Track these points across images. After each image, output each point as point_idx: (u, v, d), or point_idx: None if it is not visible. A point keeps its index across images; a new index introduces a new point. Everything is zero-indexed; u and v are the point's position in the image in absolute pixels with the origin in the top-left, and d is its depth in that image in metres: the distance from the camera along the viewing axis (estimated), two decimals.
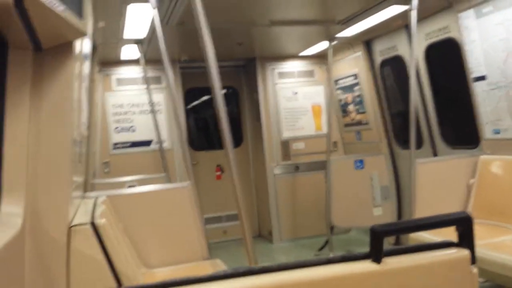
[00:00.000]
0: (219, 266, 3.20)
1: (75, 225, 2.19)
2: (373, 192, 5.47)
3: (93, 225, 2.24)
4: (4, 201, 1.87)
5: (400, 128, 5.62)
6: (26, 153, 2.00)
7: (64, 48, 2.15)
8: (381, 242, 1.22)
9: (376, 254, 1.23)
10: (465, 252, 1.28)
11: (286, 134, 6.50)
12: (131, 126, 5.91)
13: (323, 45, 5.77)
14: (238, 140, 6.88)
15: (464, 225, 1.28)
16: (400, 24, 4.90)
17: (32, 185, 2.00)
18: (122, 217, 3.21)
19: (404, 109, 5.37)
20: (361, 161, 5.49)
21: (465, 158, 4.12)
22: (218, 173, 6.74)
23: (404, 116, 5.23)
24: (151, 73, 5.71)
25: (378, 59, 5.64)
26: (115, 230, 2.72)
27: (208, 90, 6.20)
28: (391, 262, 1.23)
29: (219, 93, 2.46)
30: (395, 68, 5.56)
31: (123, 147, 5.87)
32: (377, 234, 1.22)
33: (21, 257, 1.86)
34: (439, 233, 1.38)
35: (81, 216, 2.36)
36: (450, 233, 1.35)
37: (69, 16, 1.93)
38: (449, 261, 1.28)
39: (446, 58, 4.77)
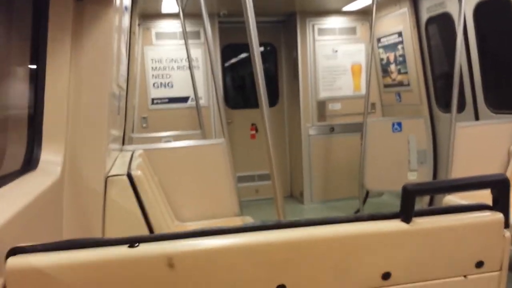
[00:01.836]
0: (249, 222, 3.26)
1: (112, 176, 2.26)
2: (409, 156, 5.36)
3: (130, 176, 2.31)
4: (44, 149, 1.94)
5: (442, 91, 5.41)
6: (67, 103, 2.05)
7: None
8: (412, 202, 1.20)
9: (406, 213, 1.21)
10: (498, 216, 1.24)
11: (323, 94, 6.40)
12: (169, 82, 5.95)
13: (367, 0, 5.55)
14: (274, 99, 6.83)
15: (500, 188, 1.24)
16: None
17: (71, 135, 2.06)
18: (158, 171, 3.29)
19: (448, 71, 5.15)
20: (399, 124, 5.37)
21: (508, 123, 3.96)
22: (253, 132, 6.75)
23: (447, 78, 5.02)
24: (190, 28, 5.68)
25: (425, 17, 5.38)
26: (150, 182, 2.80)
27: (245, 47, 6.08)
28: (421, 223, 1.22)
29: (257, 49, 2.41)
30: (441, 27, 5.30)
31: (161, 103, 5.94)
32: (409, 193, 1.20)
33: (60, 203, 1.95)
34: (474, 199, 1.35)
35: (119, 168, 2.43)
36: (487, 200, 1.32)
37: None
38: (481, 224, 1.26)
39: (496, 18, 4.51)
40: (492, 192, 1.27)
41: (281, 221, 1.19)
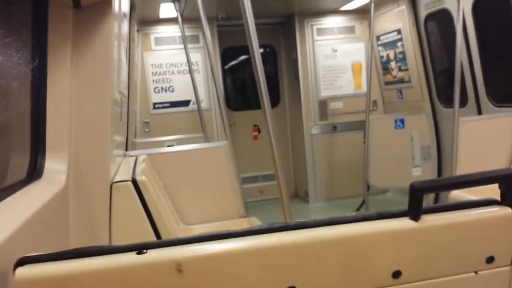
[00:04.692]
0: (255, 224, 3.26)
1: (117, 182, 2.26)
2: (413, 152, 5.35)
3: (134, 182, 2.30)
4: (48, 158, 1.94)
5: (443, 86, 5.40)
6: (69, 111, 2.05)
7: (103, 5, 2.16)
8: (420, 199, 1.20)
9: (414, 211, 1.20)
10: (507, 210, 1.23)
11: (324, 93, 6.39)
12: (170, 86, 5.96)
13: None
14: (275, 100, 6.83)
15: (508, 183, 1.23)
16: None
17: (74, 143, 2.06)
18: (162, 175, 3.29)
19: (448, 66, 5.14)
20: (401, 120, 5.36)
21: (511, 116, 3.94)
22: (255, 133, 6.76)
23: (448, 74, 5.01)
24: (188, 32, 5.69)
25: (423, 13, 5.37)
26: (155, 187, 2.79)
27: (245, 49, 6.11)
28: (430, 220, 1.21)
29: (257, 51, 2.41)
30: (440, 23, 5.30)
31: (162, 107, 5.95)
32: (416, 191, 1.19)
33: (66, 211, 1.95)
34: (481, 194, 1.34)
35: (123, 173, 2.43)
36: (492, 195, 1.31)
37: None
38: (490, 219, 1.25)
39: (495, 11, 4.50)
40: (500, 187, 1.26)
41: (289, 223, 1.18)
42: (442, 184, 1.41)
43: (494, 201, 1.28)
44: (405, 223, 1.20)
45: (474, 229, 1.25)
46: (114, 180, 2.26)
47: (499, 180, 1.25)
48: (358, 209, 5.63)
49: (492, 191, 1.30)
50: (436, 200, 5.15)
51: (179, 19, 5.11)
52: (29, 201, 1.57)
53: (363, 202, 5.56)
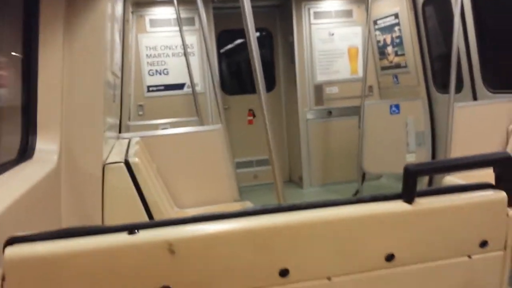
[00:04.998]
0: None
1: (110, 163, 2.24)
2: (408, 138, 5.36)
3: (127, 163, 2.29)
4: (40, 138, 1.92)
5: (440, 72, 5.38)
6: (61, 92, 2.03)
7: None
8: (414, 182, 1.19)
9: (408, 194, 1.20)
10: (502, 194, 1.23)
11: (320, 78, 6.35)
12: (165, 69, 5.90)
13: None
14: (271, 84, 6.79)
15: (503, 166, 1.23)
16: None
17: (66, 124, 2.04)
18: (155, 158, 3.27)
19: (445, 52, 5.11)
20: (397, 106, 5.35)
21: (506, 102, 3.94)
22: (250, 117, 6.73)
23: (444, 59, 4.99)
24: (184, 14, 5.61)
25: None
26: (148, 169, 2.78)
27: (241, 33, 6.04)
28: (424, 203, 1.20)
29: (253, 34, 2.37)
30: (438, 8, 5.25)
31: (157, 90, 5.90)
32: (410, 173, 1.18)
33: (58, 191, 1.93)
34: (473, 180, 1.34)
35: (116, 155, 2.41)
36: (486, 180, 1.30)
37: None
38: (485, 202, 1.24)
39: None
40: (495, 171, 1.26)
41: (282, 205, 1.17)
42: (437, 167, 1.40)
43: (488, 185, 1.27)
44: (399, 205, 1.19)
45: (468, 213, 1.24)
46: (107, 162, 2.24)
47: (494, 163, 1.25)
48: (355, 195, 5.65)
49: (486, 177, 1.30)
50: (430, 185, 5.17)
51: (175, 0, 5.04)
52: (19, 180, 1.55)
53: (357, 191, 5.58)
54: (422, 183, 5.20)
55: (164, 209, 2.61)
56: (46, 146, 1.92)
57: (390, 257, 1.19)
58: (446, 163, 1.35)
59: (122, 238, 1.04)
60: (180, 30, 5.21)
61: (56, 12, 2.00)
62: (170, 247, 1.05)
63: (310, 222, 1.14)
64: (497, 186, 1.25)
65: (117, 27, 3.14)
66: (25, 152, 1.85)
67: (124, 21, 4.34)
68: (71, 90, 2.08)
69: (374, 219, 1.18)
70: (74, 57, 2.10)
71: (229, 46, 6.89)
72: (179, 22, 5.17)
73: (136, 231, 1.05)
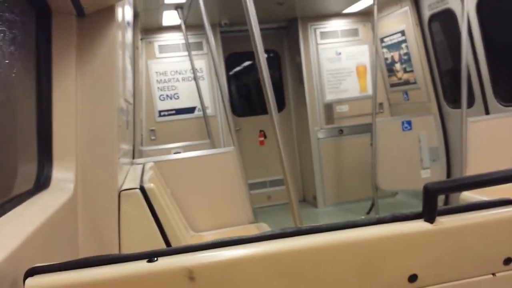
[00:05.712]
0: (265, 229, 3.23)
1: (125, 190, 2.24)
2: (421, 154, 5.31)
3: (142, 189, 2.29)
4: (56, 167, 1.93)
5: (450, 87, 5.37)
6: (75, 120, 2.05)
7: (106, 13, 2.16)
8: (435, 201, 1.17)
9: (429, 213, 1.18)
10: None
11: (330, 97, 6.37)
12: (175, 94, 5.96)
13: (368, 0, 5.52)
14: (280, 104, 6.82)
15: None
16: None
17: (81, 152, 2.06)
18: (169, 182, 3.27)
19: (454, 67, 5.11)
20: (408, 122, 5.32)
21: None
22: (261, 138, 6.74)
23: (454, 74, 4.98)
24: (192, 39, 5.70)
25: (427, 14, 5.35)
26: (163, 194, 2.78)
27: (249, 55, 6.15)
28: (445, 222, 1.18)
29: (262, 55, 2.39)
30: (444, 23, 5.27)
31: (168, 115, 5.95)
32: (430, 192, 1.17)
33: (75, 220, 1.93)
34: (490, 195, 1.31)
35: (131, 181, 2.42)
36: (503, 195, 1.28)
37: None
38: (507, 219, 1.22)
39: (500, 10, 4.47)
40: None
41: (301, 228, 1.16)
42: (457, 185, 1.38)
43: (508, 201, 1.25)
44: (420, 225, 1.18)
45: (490, 230, 1.22)
46: (122, 188, 2.25)
47: None
48: (368, 213, 5.59)
49: (502, 191, 1.28)
50: (446, 201, 5.10)
51: (183, 26, 5.12)
52: (37, 210, 1.56)
53: (372, 205, 5.52)
54: (439, 199, 5.13)
55: (180, 233, 2.60)
56: (62, 175, 1.93)
57: (413, 278, 1.17)
58: (466, 181, 1.33)
59: (142, 266, 1.04)
60: (189, 55, 5.28)
61: (68, 42, 2.04)
62: (190, 274, 1.04)
63: (331, 244, 1.13)
64: None
65: (128, 54, 3.19)
66: (42, 181, 1.86)
67: (134, 48, 4.41)
68: (85, 118, 2.10)
69: (395, 240, 1.17)
70: (87, 86, 2.12)
71: (238, 68, 6.96)
72: (188, 47, 5.25)
73: (155, 258, 1.05)
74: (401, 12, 5.69)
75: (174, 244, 2.29)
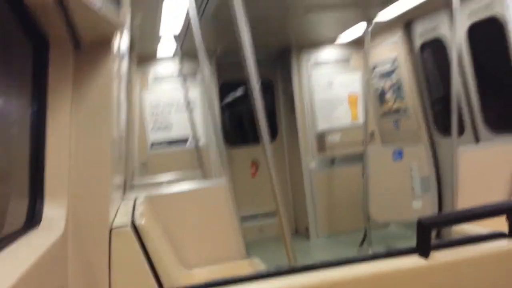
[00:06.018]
0: (258, 264, 3.18)
1: (116, 227, 2.21)
2: (413, 184, 5.32)
3: (134, 226, 2.26)
4: (47, 204, 1.90)
5: (440, 115, 5.42)
6: (68, 154, 2.02)
7: (103, 45, 2.16)
8: (429, 235, 1.18)
9: (423, 247, 1.18)
10: None
11: (322, 125, 6.40)
12: (168, 125, 5.96)
13: (360, 30, 5.60)
14: (273, 134, 6.83)
15: None
16: (442, 3, 4.68)
17: (74, 187, 2.02)
18: (160, 217, 3.23)
19: (444, 95, 5.18)
20: (399, 152, 5.35)
21: (509, 145, 3.95)
22: (253, 170, 6.71)
23: (444, 102, 5.04)
24: (187, 68, 5.73)
25: (418, 42, 5.45)
26: (155, 230, 2.74)
27: (241, 84, 6.19)
28: (440, 256, 1.18)
29: (256, 84, 2.39)
30: (436, 51, 5.36)
31: (160, 147, 5.93)
32: (424, 227, 1.17)
33: (65, 259, 1.89)
34: (483, 225, 1.32)
35: (122, 217, 2.38)
36: (496, 226, 1.29)
37: (108, 12, 1.93)
38: (501, 253, 1.22)
39: (490, 38, 4.55)
40: (508, 219, 1.24)
41: (296, 266, 1.15)
42: (450, 219, 1.38)
43: (501, 234, 1.26)
44: (415, 261, 1.17)
45: (485, 264, 1.22)
46: (113, 225, 2.21)
47: (506, 212, 1.24)
48: (361, 245, 5.54)
49: (494, 220, 1.28)
50: (438, 232, 5.09)
51: (178, 56, 5.16)
52: (27, 251, 1.53)
53: (365, 237, 5.48)
54: None
55: (171, 271, 2.55)
56: (54, 212, 1.90)
57: None
58: (459, 215, 1.34)
59: None
60: (183, 86, 5.30)
61: (64, 74, 2.02)
62: None
63: (326, 282, 1.12)
64: (510, 234, 1.24)
65: (123, 85, 3.19)
66: (33, 219, 1.82)
67: (129, 78, 4.42)
68: (78, 152, 2.07)
69: (390, 276, 1.16)
70: (81, 119, 2.10)
71: (230, 97, 6.98)
72: (182, 78, 5.27)
73: None
74: (392, 41, 5.78)
75: (165, 282, 2.25)
